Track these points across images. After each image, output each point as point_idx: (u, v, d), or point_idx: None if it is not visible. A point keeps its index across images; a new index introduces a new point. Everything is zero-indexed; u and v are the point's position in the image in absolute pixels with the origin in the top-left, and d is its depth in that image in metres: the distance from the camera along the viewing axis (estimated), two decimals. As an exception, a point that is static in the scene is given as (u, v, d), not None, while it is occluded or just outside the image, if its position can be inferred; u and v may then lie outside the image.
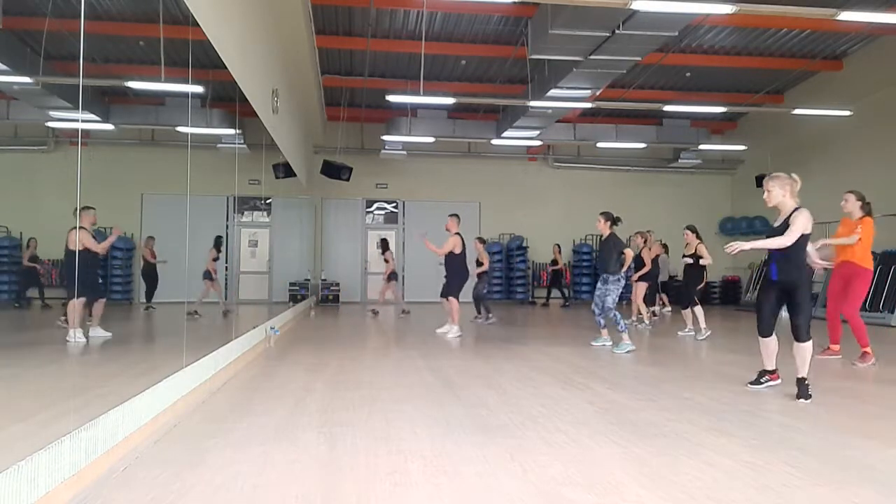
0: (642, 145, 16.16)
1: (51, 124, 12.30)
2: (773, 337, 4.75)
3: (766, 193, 4.70)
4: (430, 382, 5.12)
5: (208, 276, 10.46)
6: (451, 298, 8.92)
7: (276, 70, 8.68)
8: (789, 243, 4.46)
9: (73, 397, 4.06)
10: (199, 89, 9.95)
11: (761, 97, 14.84)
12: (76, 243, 6.37)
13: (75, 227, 6.26)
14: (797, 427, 3.73)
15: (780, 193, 4.63)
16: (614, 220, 7.57)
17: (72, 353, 6.14)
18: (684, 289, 9.19)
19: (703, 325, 8.54)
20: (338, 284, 16.48)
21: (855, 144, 13.42)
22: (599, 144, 16.05)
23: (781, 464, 2.99)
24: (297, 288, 15.14)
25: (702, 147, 16.45)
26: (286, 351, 7.11)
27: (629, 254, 7.52)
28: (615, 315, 7.33)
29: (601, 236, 7.68)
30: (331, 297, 16.16)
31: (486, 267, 10.98)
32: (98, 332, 7.00)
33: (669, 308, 13.24)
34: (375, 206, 17.64)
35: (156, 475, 2.78)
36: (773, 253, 4.59)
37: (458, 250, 9.04)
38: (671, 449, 3.24)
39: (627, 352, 7.04)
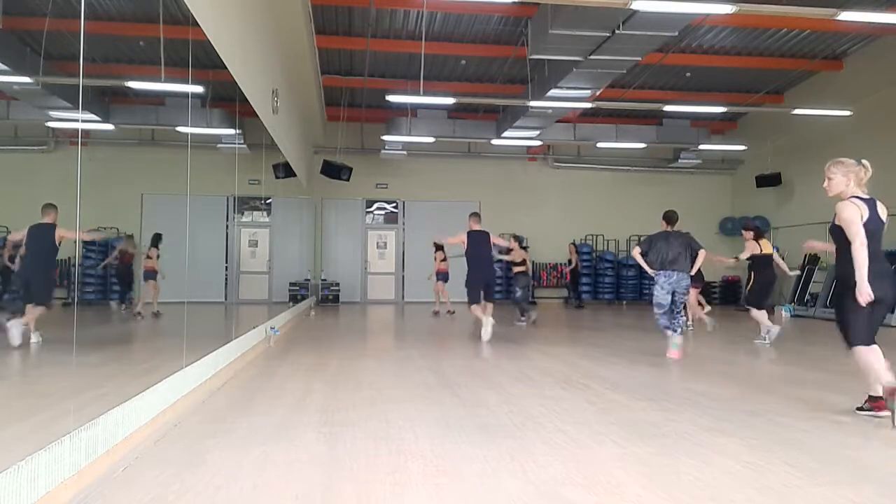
0: (642, 145, 16.15)
1: (51, 124, 12.35)
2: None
3: (826, 182, 4.05)
4: (430, 382, 5.12)
5: (152, 276, 10.40)
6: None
7: (276, 70, 8.68)
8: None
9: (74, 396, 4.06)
10: (199, 89, 9.98)
11: (761, 97, 14.83)
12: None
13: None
14: (797, 427, 3.73)
15: (843, 182, 4.00)
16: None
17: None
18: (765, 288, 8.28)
19: (769, 325, 7.92)
20: (338, 284, 16.48)
21: (855, 144, 13.36)
22: (599, 144, 16.05)
23: (781, 464, 2.99)
24: (297, 288, 15.16)
25: (702, 147, 16.45)
26: (286, 351, 7.11)
27: (703, 254, 6.88)
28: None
29: (666, 232, 6.80)
30: (331, 297, 16.16)
31: (525, 267, 11.18)
32: (36, 337, 6.59)
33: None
34: (375, 206, 17.64)
35: (156, 475, 2.78)
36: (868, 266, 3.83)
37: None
38: (671, 449, 3.23)
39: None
